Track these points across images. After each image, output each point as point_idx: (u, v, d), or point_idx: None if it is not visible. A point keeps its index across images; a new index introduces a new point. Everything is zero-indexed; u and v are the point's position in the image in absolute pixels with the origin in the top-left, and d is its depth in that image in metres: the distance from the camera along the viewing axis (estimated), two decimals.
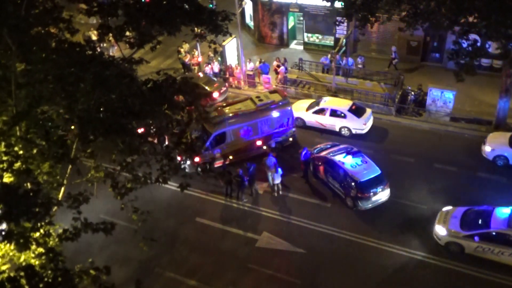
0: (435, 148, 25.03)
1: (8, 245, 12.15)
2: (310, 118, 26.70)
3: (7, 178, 12.44)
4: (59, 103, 13.73)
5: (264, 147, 24.68)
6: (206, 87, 28.95)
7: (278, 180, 22.53)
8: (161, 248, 19.86)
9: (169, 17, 15.49)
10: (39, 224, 11.88)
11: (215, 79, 30.51)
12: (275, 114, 24.48)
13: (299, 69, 31.21)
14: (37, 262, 12.04)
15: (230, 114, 24.04)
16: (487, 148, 23.76)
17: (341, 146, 23.41)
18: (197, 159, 23.48)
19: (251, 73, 31.03)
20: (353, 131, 26.10)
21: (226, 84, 30.71)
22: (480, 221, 18.99)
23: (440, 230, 19.49)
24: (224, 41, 30.32)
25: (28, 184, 12.58)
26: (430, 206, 21.40)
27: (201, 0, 17.03)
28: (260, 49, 35.75)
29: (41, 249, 12.03)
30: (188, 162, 23.71)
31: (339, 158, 22.06)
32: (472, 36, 22.73)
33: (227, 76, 31.49)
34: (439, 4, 22.08)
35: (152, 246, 13.97)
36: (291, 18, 35.31)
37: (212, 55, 31.78)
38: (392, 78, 29.30)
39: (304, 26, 34.63)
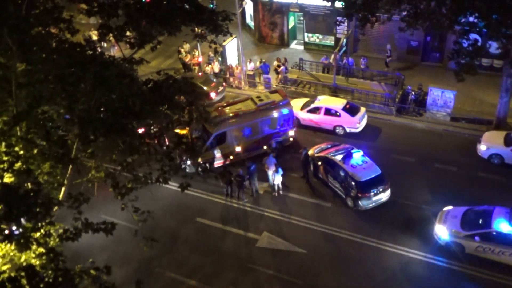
0: (435, 148, 25.03)
1: (8, 245, 12.15)
2: (305, 117, 26.79)
3: (8, 178, 12.44)
4: (59, 103, 13.73)
5: (265, 147, 24.69)
6: (204, 87, 29.02)
7: (278, 180, 22.54)
8: (162, 248, 19.86)
9: (169, 17, 15.48)
10: (39, 224, 11.88)
11: (214, 79, 30.56)
12: (275, 114, 24.49)
13: (300, 69, 31.22)
14: (37, 262, 12.04)
15: (231, 114, 24.05)
16: (482, 147, 23.82)
17: (342, 146, 23.42)
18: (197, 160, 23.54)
19: (251, 73, 31.04)
20: (347, 130, 26.20)
21: (224, 83, 30.75)
22: (480, 221, 18.99)
23: (440, 229, 19.49)
24: (224, 41, 30.33)
25: (29, 184, 12.59)
26: (430, 206, 21.40)
27: (201, 0, 17.02)
28: (260, 49, 35.76)
29: (41, 249, 12.02)
30: (189, 162, 23.74)
31: (339, 158, 22.06)
32: (473, 36, 22.75)
33: (228, 76, 31.51)
34: (439, 4, 22.09)
35: (152, 246, 13.93)
36: (291, 18, 35.34)
37: (212, 55, 31.82)
38: (392, 78, 29.31)
39: (305, 26, 34.65)
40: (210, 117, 23.92)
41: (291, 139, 25.48)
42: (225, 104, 25.27)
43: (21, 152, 12.74)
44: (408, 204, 21.73)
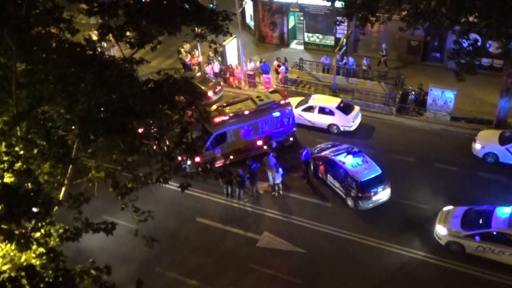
0: (435, 147, 25.02)
1: (9, 245, 12.14)
2: (299, 116, 26.82)
3: (8, 178, 12.44)
4: (59, 103, 13.73)
5: (265, 147, 24.69)
6: (202, 87, 29.08)
7: (278, 180, 22.54)
8: (162, 248, 19.79)
9: (169, 17, 15.49)
10: (40, 224, 11.88)
11: (213, 79, 30.58)
12: (275, 114, 24.48)
13: (300, 69, 31.22)
14: (38, 262, 12.03)
15: (231, 114, 24.04)
16: (477, 146, 23.86)
17: (342, 146, 23.41)
18: (197, 159, 23.51)
19: (251, 73, 31.04)
20: (341, 128, 26.31)
21: (221, 83, 30.77)
22: (480, 221, 18.99)
23: (440, 229, 19.49)
24: (224, 41, 30.33)
25: (29, 184, 12.57)
26: (430, 206, 21.39)
27: (201, 0, 17.02)
28: (260, 49, 35.76)
29: (42, 249, 12.03)
30: (189, 162, 23.75)
31: (339, 157, 22.06)
32: (473, 35, 22.75)
33: (228, 76, 31.50)
34: (439, 4, 22.07)
35: (153, 246, 13.94)
36: (291, 18, 35.33)
37: (212, 55, 31.81)
38: (392, 77, 29.31)
39: (305, 26, 34.64)
40: (210, 117, 24.02)
41: (291, 139, 25.48)
42: (225, 104, 25.27)
43: (21, 152, 12.73)
44: (408, 204, 21.73)
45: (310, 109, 26.69)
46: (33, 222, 11.85)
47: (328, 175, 22.60)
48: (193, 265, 19.89)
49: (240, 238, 20.95)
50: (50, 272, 11.25)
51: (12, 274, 10.96)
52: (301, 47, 35.43)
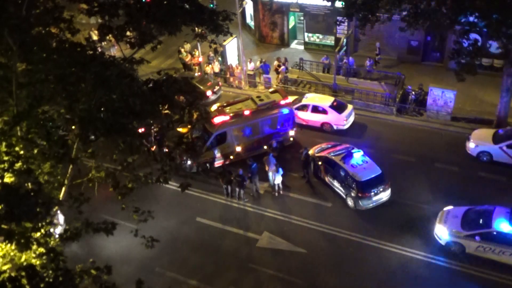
0: (436, 147, 25.02)
1: (9, 245, 12.14)
2: None
3: (8, 178, 12.43)
4: (60, 103, 13.74)
5: (265, 147, 24.68)
6: (200, 86, 29.11)
7: (278, 180, 22.53)
8: (162, 248, 19.79)
9: (170, 17, 15.49)
10: (40, 224, 11.88)
11: (212, 79, 30.58)
12: (276, 114, 24.46)
13: (300, 69, 31.22)
14: (38, 262, 12.02)
15: (231, 114, 24.03)
16: (471, 145, 23.91)
17: (342, 146, 23.41)
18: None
19: (251, 73, 31.04)
20: (335, 127, 26.40)
21: (220, 83, 30.78)
22: (481, 221, 18.98)
23: (441, 229, 19.48)
24: (224, 41, 30.33)
25: (29, 184, 12.57)
26: (430, 206, 21.38)
27: (201, 0, 17.03)
28: (260, 49, 35.76)
29: (42, 249, 12.02)
30: (189, 162, 23.75)
31: (339, 157, 22.05)
32: (473, 35, 22.75)
33: (228, 76, 31.51)
34: (440, 4, 22.09)
35: (153, 246, 13.94)
36: (291, 18, 35.33)
37: (212, 55, 31.82)
38: (393, 77, 29.31)
39: (305, 26, 34.64)
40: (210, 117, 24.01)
41: (291, 139, 25.49)
42: (225, 104, 25.27)
43: (22, 152, 12.74)
44: (409, 204, 21.73)
45: (303, 107, 26.79)
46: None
47: (328, 175, 22.60)
48: (193, 265, 19.89)
49: (240, 238, 20.94)
50: (50, 272, 11.23)
51: (12, 274, 10.96)
52: (301, 47, 35.43)
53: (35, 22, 14.28)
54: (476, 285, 18.27)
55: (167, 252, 20.27)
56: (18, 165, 12.30)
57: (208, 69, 31.46)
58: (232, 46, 31.55)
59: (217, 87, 30.02)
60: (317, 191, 22.95)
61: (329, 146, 23.83)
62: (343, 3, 24.85)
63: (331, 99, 27.15)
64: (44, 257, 11.89)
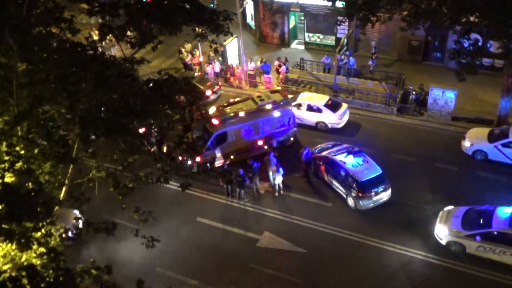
0: (436, 147, 25.01)
1: (9, 244, 12.16)
2: None
3: (9, 178, 12.45)
4: (60, 103, 13.75)
5: (266, 147, 24.68)
6: (200, 86, 29.12)
7: (279, 180, 22.53)
8: (162, 248, 19.84)
9: (170, 17, 15.49)
10: (40, 224, 11.89)
11: (211, 79, 30.58)
12: (276, 113, 24.47)
13: (300, 68, 31.21)
14: (38, 262, 12.04)
15: (231, 114, 24.03)
16: (466, 144, 23.90)
17: (343, 146, 23.40)
18: (198, 159, 23.52)
19: (252, 72, 31.03)
20: (329, 126, 26.51)
21: (219, 83, 30.78)
22: (481, 221, 18.97)
23: (441, 229, 19.48)
24: (225, 41, 30.33)
25: (30, 184, 12.59)
26: (431, 206, 21.38)
27: (202, 0, 17.03)
28: (261, 49, 35.76)
29: (42, 249, 12.04)
30: (189, 162, 23.75)
31: (340, 157, 22.06)
32: (474, 35, 22.74)
33: (228, 76, 31.51)
34: (440, 3, 22.07)
35: (153, 246, 13.95)
36: (292, 18, 35.32)
37: (213, 55, 31.82)
38: (393, 77, 29.30)
39: (305, 26, 34.63)
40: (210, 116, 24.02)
41: (292, 138, 25.48)
42: (225, 104, 25.27)
43: (22, 152, 12.75)
44: (409, 204, 21.72)
45: (298, 106, 26.86)
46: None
47: (329, 175, 22.60)
48: (193, 265, 19.89)
49: (240, 238, 20.94)
50: (51, 271, 11.25)
51: (13, 274, 10.98)
52: (302, 47, 35.42)
53: (35, 22, 14.28)
54: (476, 285, 18.24)
55: (167, 252, 20.28)
56: (18, 165, 12.32)
57: (208, 69, 31.46)
58: (232, 46, 31.55)
59: (216, 87, 30.05)
60: (317, 191, 22.94)
61: (330, 145, 23.83)
62: (344, 3, 24.84)
63: (326, 98, 27.26)
64: (44, 257, 11.90)
